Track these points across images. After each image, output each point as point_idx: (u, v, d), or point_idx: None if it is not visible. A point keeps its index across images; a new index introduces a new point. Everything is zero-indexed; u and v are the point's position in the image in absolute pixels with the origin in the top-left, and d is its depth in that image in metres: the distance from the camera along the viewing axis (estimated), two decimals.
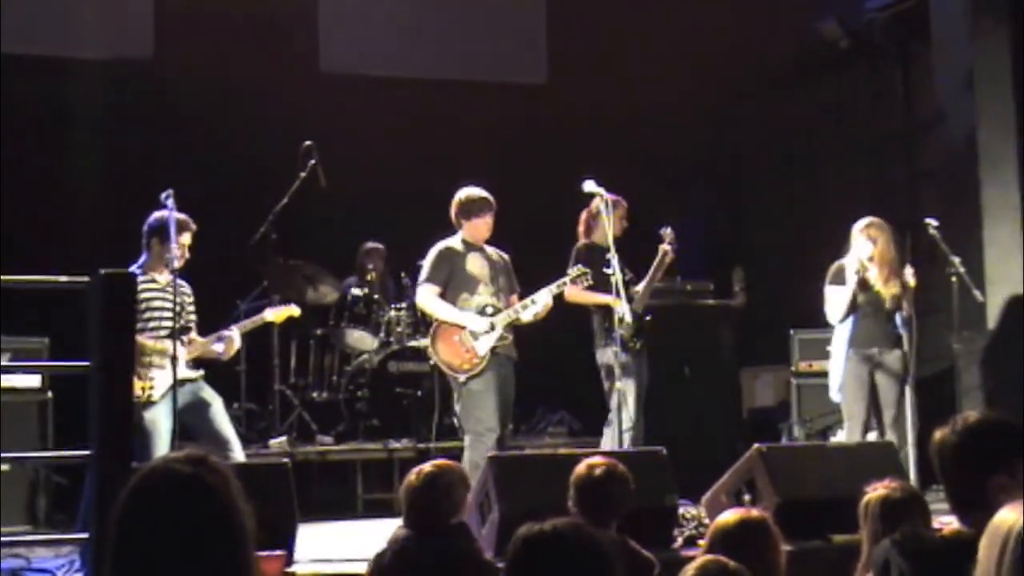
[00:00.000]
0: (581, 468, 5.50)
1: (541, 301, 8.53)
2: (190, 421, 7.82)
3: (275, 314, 8.57)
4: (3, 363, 8.89)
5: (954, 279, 9.28)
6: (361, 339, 10.85)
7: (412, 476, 5.43)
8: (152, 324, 7.82)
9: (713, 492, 7.67)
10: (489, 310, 8.45)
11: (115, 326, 5.03)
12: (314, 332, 11.07)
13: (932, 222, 9.34)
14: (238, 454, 7.89)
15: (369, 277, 11.07)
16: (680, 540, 7.15)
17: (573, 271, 8.69)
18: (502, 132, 12.62)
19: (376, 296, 10.92)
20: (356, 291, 10.94)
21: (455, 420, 9.07)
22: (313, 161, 10.37)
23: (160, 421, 7.61)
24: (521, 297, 8.67)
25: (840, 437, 9.38)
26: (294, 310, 8.74)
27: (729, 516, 4.51)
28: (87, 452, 5.02)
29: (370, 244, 11.44)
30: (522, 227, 11.64)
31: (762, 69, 12.36)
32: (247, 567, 2.66)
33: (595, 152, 11.50)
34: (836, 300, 8.92)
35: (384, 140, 12.04)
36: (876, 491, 4.62)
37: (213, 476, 2.66)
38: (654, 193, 9.92)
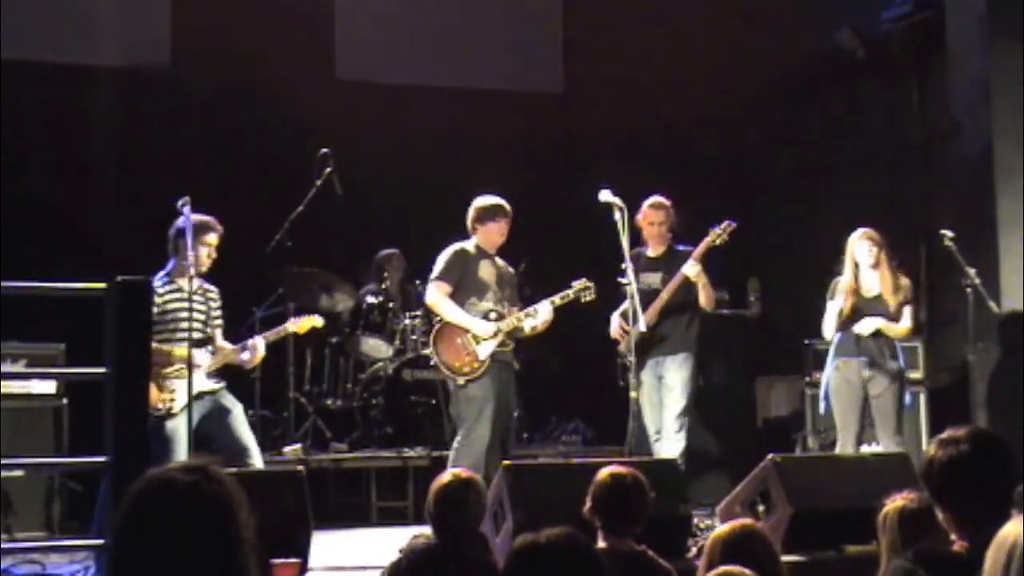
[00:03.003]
0: (604, 477, 5.46)
1: (541, 313, 8.57)
2: (210, 429, 7.82)
3: (297, 325, 8.56)
4: (19, 369, 8.92)
5: (969, 290, 9.28)
6: (376, 347, 10.85)
7: (447, 479, 5.40)
8: (178, 335, 7.82)
9: (727, 502, 7.66)
10: (493, 316, 8.49)
11: (131, 333, 5.05)
12: (329, 340, 11.07)
13: (947, 233, 9.34)
14: (257, 462, 7.88)
15: (385, 285, 11.05)
16: (694, 550, 7.13)
17: (577, 284, 8.71)
18: (518, 141, 12.63)
19: (391, 304, 10.92)
20: (371, 299, 10.94)
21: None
22: (329, 169, 10.39)
23: (181, 430, 7.62)
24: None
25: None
26: (317, 321, 8.74)
27: (725, 527, 4.51)
28: (103, 459, 5.03)
29: (387, 251, 11.40)
30: (537, 236, 11.68)
31: (778, 79, 12.36)
32: None
33: (610, 161, 11.51)
34: (828, 314, 8.96)
35: (400, 148, 12.07)
36: (894, 502, 4.61)
37: (211, 485, 2.64)
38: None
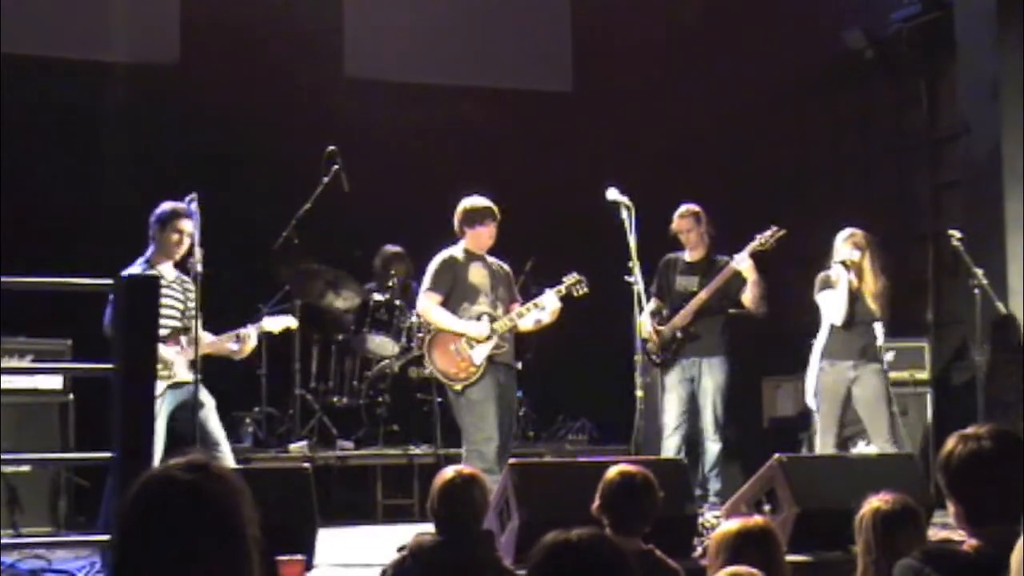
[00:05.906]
0: (613, 475, 5.44)
1: (548, 304, 8.57)
2: (182, 421, 7.67)
3: (272, 324, 8.29)
4: (26, 364, 8.92)
5: (976, 290, 9.26)
6: (382, 344, 10.83)
7: (451, 475, 5.39)
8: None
9: (733, 502, 7.66)
10: (485, 319, 8.46)
11: (138, 328, 5.04)
12: (335, 337, 11.07)
13: (955, 233, 9.35)
14: (227, 457, 7.71)
15: (391, 283, 11.04)
16: (700, 549, 7.13)
17: (568, 278, 8.74)
18: (526, 139, 12.63)
19: (398, 302, 10.89)
20: (378, 296, 10.93)
21: None
22: (336, 166, 10.41)
23: (157, 422, 7.52)
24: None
25: (861, 448, 9.36)
26: (291, 322, 8.55)
27: (730, 525, 4.48)
28: (109, 454, 5.02)
29: (392, 248, 11.39)
30: (546, 234, 11.67)
31: (787, 79, 12.33)
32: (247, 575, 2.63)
33: (619, 160, 11.50)
34: (834, 301, 8.90)
35: (408, 146, 12.05)
36: (870, 504, 4.60)
37: (213, 483, 2.61)
38: (677, 201, 9.91)
